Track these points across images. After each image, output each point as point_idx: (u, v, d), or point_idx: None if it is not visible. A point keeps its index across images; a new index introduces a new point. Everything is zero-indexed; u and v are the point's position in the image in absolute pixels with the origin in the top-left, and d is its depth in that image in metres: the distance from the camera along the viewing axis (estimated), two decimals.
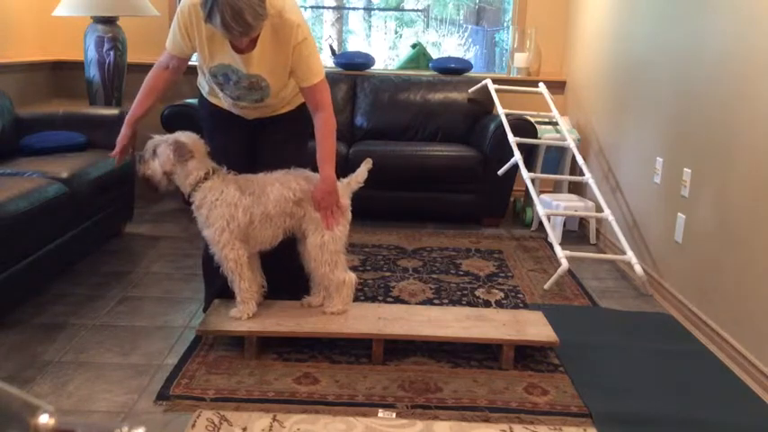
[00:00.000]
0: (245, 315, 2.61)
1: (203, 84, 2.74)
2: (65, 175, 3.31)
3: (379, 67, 5.47)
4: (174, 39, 2.53)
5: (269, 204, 2.54)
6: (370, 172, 2.75)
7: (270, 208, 2.54)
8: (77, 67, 4.81)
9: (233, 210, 2.52)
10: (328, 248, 2.60)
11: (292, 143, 2.77)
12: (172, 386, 2.35)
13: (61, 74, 5.10)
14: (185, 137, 2.60)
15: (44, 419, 0.64)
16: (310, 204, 2.58)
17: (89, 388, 2.34)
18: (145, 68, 5.20)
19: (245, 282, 2.59)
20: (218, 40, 2.45)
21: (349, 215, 2.67)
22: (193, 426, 2.11)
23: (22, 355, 2.55)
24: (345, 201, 2.66)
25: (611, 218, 3.82)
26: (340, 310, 2.69)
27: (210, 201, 2.53)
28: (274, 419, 2.16)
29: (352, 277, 2.71)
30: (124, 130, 2.67)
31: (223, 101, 2.70)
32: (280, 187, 2.56)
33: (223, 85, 2.57)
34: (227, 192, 2.53)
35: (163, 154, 2.56)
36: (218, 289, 2.79)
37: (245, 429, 2.10)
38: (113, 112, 4.15)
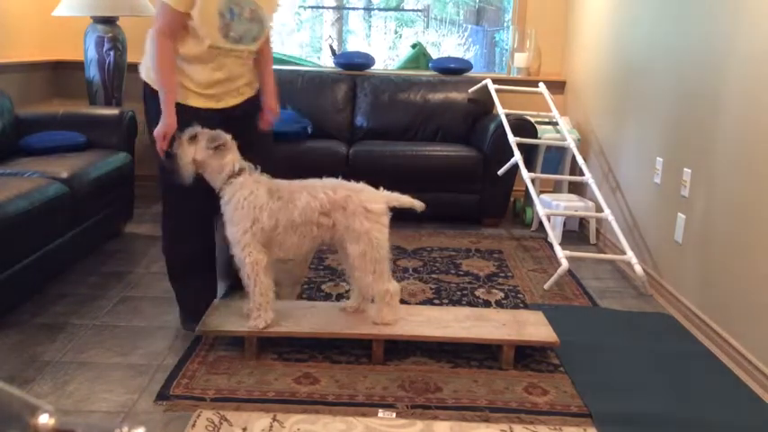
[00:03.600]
0: (262, 323, 2.55)
1: (191, 75, 2.59)
2: (65, 175, 3.31)
3: (379, 67, 5.47)
4: None
5: (295, 212, 2.49)
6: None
7: (296, 216, 2.49)
8: (77, 67, 4.82)
9: (257, 212, 2.48)
10: (372, 257, 2.52)
11: (266, 138, 2.86)
12: (172, 386, 2.35)
13: (61, 74, 5.11)
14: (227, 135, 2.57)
15: (44, 419, 0.64)
16: (340, 214, 2.52)
17: (89, 388, 2.34)
18: None
19: (260, 288, 2.53)
20: None
21: (386, 221, 2.58)
22: (193, 426, 2.11)
23: (22, 355, 2.55)
24: (381, 207, 2.56)
25: (611, 218, 3.82)
26: (390, 321, 2.62)
27: (238, 199, 2.49)
28: (274, 419, 2.16)
29: (396, 287, 2.64)
30: (172, 120, 2.51)
31: (209, 73, 2.58)
32: (307, 196, 2.51)
33: (229, 24, 2.52)
34: (257, 193, 2.49)
35: (201, 142, 2.51)
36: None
37: (245, 429, 2.10)
38: (113, 112, 4.16)
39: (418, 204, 2.66)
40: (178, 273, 2.84)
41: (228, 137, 2.55)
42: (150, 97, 2.62)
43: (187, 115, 2.55)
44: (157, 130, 2.52)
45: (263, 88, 2.81)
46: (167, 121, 2.51)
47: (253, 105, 2.78)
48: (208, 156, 2.51)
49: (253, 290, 2.54)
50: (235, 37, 2.57)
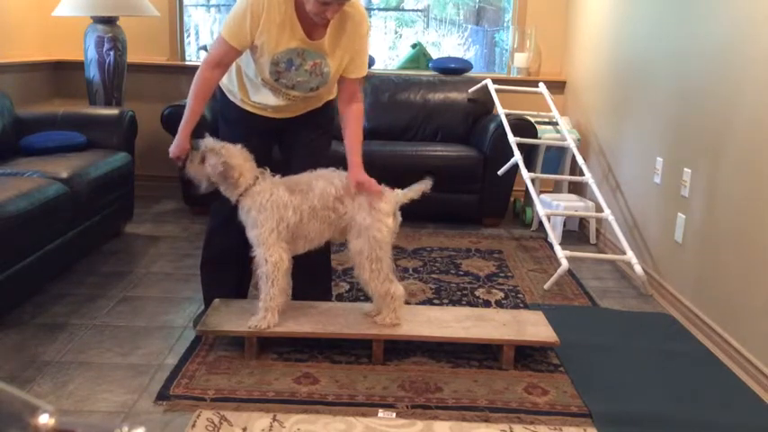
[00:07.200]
0: (264, 325, 2.54)
1: (235, 86, 2.67)
2: (65, 175, 3.31)
3: (379, 67, 5.46)
4: (238, 29, 2.43)
5: (315, 199, 2.51)
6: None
7: (315, 202, 2.51)
8: (77, 67, 4.81)
9: (282, 211, 2.49)
10: (369, 255, 2.52)
11: (322, 140, 2.80)
12: (172, 386, 2.35)
13: (61, 74, 5.10)
14: (237, 153, 2.52)
15: (44, 419, 0.64)
16: (350, 204, 2.53)
17: (89, 388, 2.34)
18: (145, 68, 5.22)
19: (276, 289, 2.53)
20: (289, 25, 2.45)
21: (389, 222, 2.57)
22: (193, 426, 2.11)
23: (22, 355, 2.55)
24: (387, 206, 2.56)
25: (611, 218, 3.82)
26: (389, 323, 2.61)
27: (260, 203, 2.49)
28: (274, 419, 2.16)
29: (400, 291, 2.62)
30: (183, 143, 2.56)
31: (263, 98, 2.63)
32: (323, 182, 2.53)
33: (282, 72, 2.52)
34: (277, 193, 2.50)
35: (211, 167, 2.50)
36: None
37: (245, 429, 2.10)
38: (113, 112, 4.16)
39: (426, 185, 2.65)
40: (211, 265, 2.84)
41: (243, 160, 2.52)
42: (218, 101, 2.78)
43: (246, 118, 2.68)
44: (171, 149, 2.58)
45: (347, 154, 2.62)
46: (180, 144, 2.56)
47: (320, 109, 2.76)
48: (219, 177, 2.52)
49: (269, 290, 2.52)
50: (287, 84, 2.56)
